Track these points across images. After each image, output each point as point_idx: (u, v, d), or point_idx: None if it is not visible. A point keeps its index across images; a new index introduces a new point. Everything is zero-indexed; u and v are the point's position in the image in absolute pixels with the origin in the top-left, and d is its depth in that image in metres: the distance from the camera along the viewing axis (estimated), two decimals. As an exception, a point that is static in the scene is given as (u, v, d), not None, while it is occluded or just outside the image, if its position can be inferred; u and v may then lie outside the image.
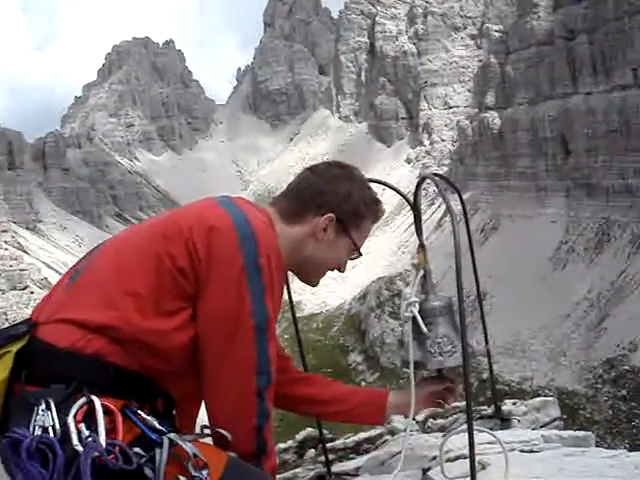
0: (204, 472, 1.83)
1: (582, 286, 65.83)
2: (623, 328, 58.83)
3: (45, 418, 1.77)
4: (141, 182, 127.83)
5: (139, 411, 1.90)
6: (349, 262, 2.40)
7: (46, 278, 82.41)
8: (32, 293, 75.00)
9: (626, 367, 56.44)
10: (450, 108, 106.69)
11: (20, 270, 75.35)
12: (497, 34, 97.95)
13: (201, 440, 1.99)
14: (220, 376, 2.02)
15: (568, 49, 79.32)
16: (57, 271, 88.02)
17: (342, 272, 2.41)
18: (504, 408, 4.67)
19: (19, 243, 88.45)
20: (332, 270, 2.38)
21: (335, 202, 2.26)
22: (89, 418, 1.79)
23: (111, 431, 1.79)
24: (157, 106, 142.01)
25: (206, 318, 2.00)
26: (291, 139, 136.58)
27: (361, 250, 2.37)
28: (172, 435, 1.86)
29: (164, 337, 1.98)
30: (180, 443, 1.84)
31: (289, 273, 2.63)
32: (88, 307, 1.98)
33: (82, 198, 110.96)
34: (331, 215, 2.25)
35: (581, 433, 3.68)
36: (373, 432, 4.73)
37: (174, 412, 2.13)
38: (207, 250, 1.98)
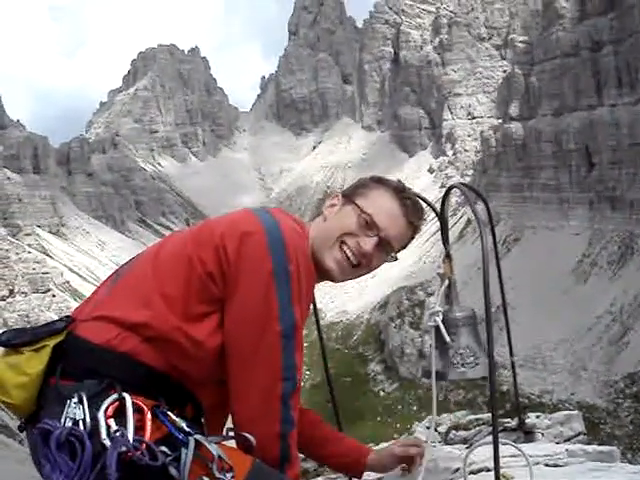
0: (228, 475, 1.85)
1: (604, 300, 65.30)
2: (645, 343, 58.32)
3: (76, 411, 1.81)
4: (164, 188, 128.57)
5: (169, 412, 1.93)
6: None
7: (68, 282, 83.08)
8: (54, 296, 75.61)
9: (648, 382, 55.92)
10: (474, 118, 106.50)
11: (43, 273, 75.98)
12: (522, 45, 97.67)
13: (228, 444, 2.00)
14: (245, 380, 2.02)
15: (593, 61, 78.96)
16: (79, 275, 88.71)
17: (365, 251, 2.20)
18: (528, 421, 4.62)
19: (42, 246, 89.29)
20: (348, 247, 2.19)
21: (348, 188, 2.32)
22: (119, 414, 1.83)
23: (140, 428, 1.82)
24: (181, 113, 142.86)
25: (233, 321, 2.01)
26: (314, 147, 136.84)
27: (379, 228, 2.21)
28: (198, 436, 1.88)
29: (193, 341, 2.00)
30: (206, 444, 1.87)
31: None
32: (124, 306, 2.03)
33: (105, 203, 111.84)
34: (337, 193, 2.31)
35: (606, 448, 3.63)
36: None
37: (202, 420, 2.15)
38: (237, 255, 1.99)
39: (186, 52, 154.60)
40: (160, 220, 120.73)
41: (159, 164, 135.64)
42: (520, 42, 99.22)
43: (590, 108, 77.49)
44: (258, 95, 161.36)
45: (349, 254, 2.21)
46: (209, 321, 2.02)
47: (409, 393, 62.46)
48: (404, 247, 2.37)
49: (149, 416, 1.86)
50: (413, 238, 2.38)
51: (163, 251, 2.14)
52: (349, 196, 2.27)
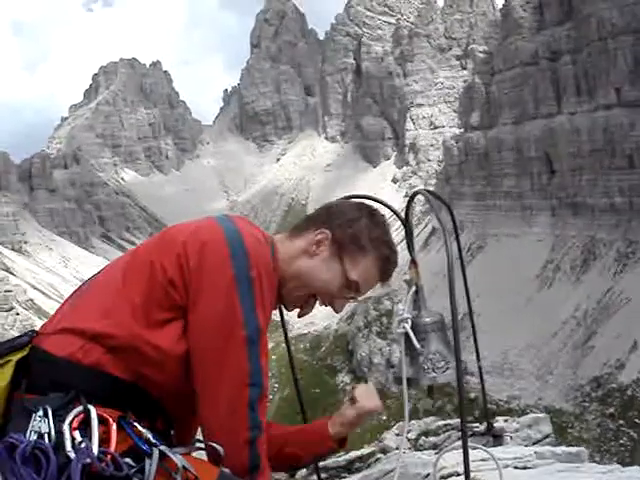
0: None
1: (568, 305, 66.07)
2: (610, 346, 59.04)
3: (41, 424, 1.79)
4: (128, 203, 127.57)
5: (135, 423, 1.90)
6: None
7: (32, 299, 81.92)
8: (18, 314, 74.49)
9: (613, 385, 56.57)
10: (436, 128, 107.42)
11: (5, 291, 74.84)
12: (482, 55, 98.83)
13: (195, 455, 1.98)
14: (211, 387, 2.00)
15: (552, 69, 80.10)
16: (43, 292, 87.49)
17: (336, 310, 2.31)
18: (496, 425, 4.65)
19: (4, 264, 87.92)
20: (322, 301, 2.27)
21: (338, 222, 2.24)
22: (85, 426, 1.81)
23: (105, 440, 1.81)
24: (144, 127, 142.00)
25: (197, 328, 2.00)
26: (278, 159, 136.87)
27: (359, 292, 2.26)
28: (163, 447, 1.86)
29: (157, 349, 1.99)
30: (170, 455, 1.85)
31: None
32: (87, 317, 2.02)
33: (68, 219, 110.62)
34: (327, 232, 2.22)
35: (574, 449, 3.66)
36: (365, 450, 4.69)
37: (172, 432, 2.13)
38: (198, 262, 1.99)
39: (148, 66, 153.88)
40: (124, 235, 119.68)
41: (122, 179, 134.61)
42: (480, 52, 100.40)
43: (550, 116, 78.54)
44: (221, 108, 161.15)
45: (320, 303, 2.27)
46: (171, 328, 2.01)
47: (378, 403, 62.58)
48: None
49: (114, 427, 1.84)
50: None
51: (126, 259, 2.15)
52: (339, 247, 2.22)
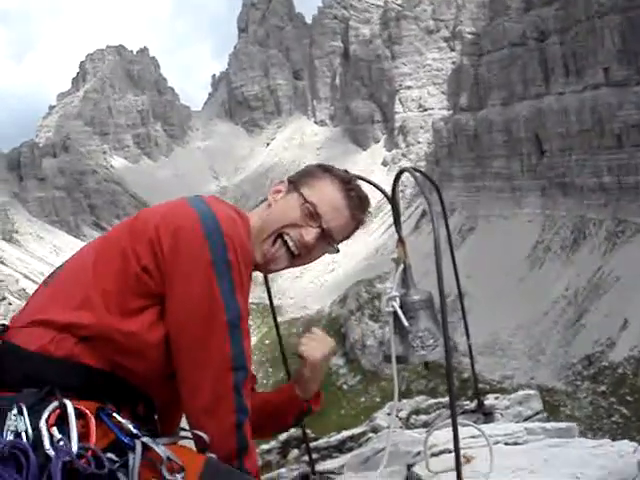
0: (178, 476, 1.80)
1: (559, 284, 66.36)
2: (600, 325, 59.39)
3: (17, 423, 1.74)
4: (118, 190, 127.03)
5: (115, 414, 1.87)
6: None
7: (24, 289, 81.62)
8: (10, 304, 74.25)
9: (604, 363, 56.95)
10: (425, 110, 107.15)
11: (-3, 281, 74.64)
12: (470, 36, 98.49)
13: (180, 443, 1.96)
14: (195, 374, 1.98)
15: (540, 50, 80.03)
16: (35, 282, 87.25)
17: (308, 242, 2.21)
18: (487, 402, 4.68)
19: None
20: (291, 239, 2.19)
21: (297, 173, 2.32)
22: (62, 422, 1.76)
23: (84, 435, 1.77)
24: (132, 114, 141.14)
25: (176, 315, 1.97)
26: (267, 144, 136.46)
27: (321, 217, 2.21)
28: (145, 439, 1.82)
29: (131, 337, 1.95)
30: (153, 446, 1.81)
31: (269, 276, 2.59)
32: (57, 307, 1.97)
33: (59, 208, 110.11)
34: (284, 180, 2.29)
35: (564, 424, 3.69)
36: (357, 430, 4.72)
37: (156, 417, 2.10)
38: (173, 247, 1.95)
39: (135, 52, 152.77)
40: (115, 222, 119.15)
41: (112, 166, 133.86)
42: (468, 33, 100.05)
43: (538, 97, 78.54)
44: (209, 94, 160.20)
45: (290, 244, 2.21)
46: (147, 314, 1.97)
47: (371, 385, 62.77)
48: (346, 238, 2.36)
49: (93, 421, 1.80)
50: (356, 230, 2.37)
51: (94, 246, 2.11)
52: (295, 183, 2.26)
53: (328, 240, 2.26)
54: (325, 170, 2.30)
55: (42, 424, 1.73)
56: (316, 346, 2.40)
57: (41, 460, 1.66)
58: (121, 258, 1.98)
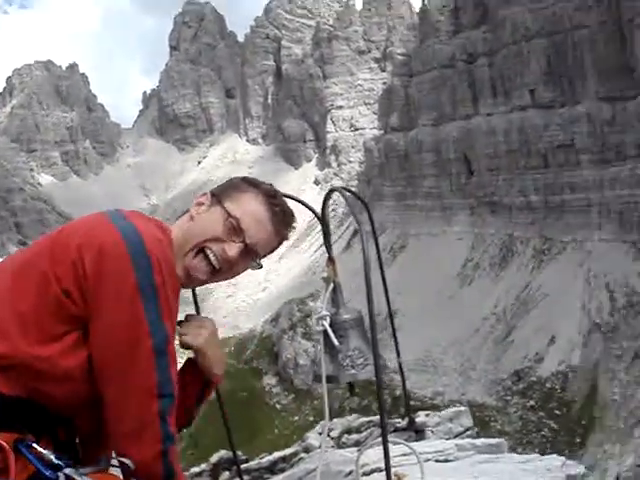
0: None
1: (489, 301, 67.52)
2: (529, 340, 60.62)
3: None
4: (45, 208, 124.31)
5: (34, 444, 1.79)
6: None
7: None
8: None
9: (533, 378, 58.06)
10: (357, 130, 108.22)
11: None
12: (400, 57, 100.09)
13: (110, 469, 1.91)
14: (120, 401, 1.90)
15: (469, 72, 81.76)
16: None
17: (230, 257, 2.15)
18: (418, 420, 4.70)
19: None
20: (213, 253, 2.13)
21: (221, 185, 2.28)
22: None
23: (3, 470, 1.69)
24: (60, 130, 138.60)
25: (101, 342, 1.89)
26: (199, 162, 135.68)
27: (243, 232, 2.16)
28: (68, 470, 1.76)
29: (50, 363, 1.86)
30: (76, 478, 1.76)
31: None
32: None
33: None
34: (206, 193, 2.25)
35: (494, 440, 3.73)
36: (288, 450, 4.68)
37: (77, 441, 2.03)
38: (96, 270, 1.86)
39: (64, 68, 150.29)
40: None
41: (39, 184, 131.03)
42: (398, 54, 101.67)
43: (467, 117, 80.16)
44: (140, 111, 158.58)
45: (212, 259, 2.15)
46: (67, 340, 1.88)
47: (305, 404, 62.61)
48: (269, 253, 2.31)
49: (12, 455, 1.71)
50: (280, 245, 2.32)
51: (9, 268, 1.99)
52: (218, 196, 2.21)
53: (251, 255, 2.20)
54: (249, 184, 2.25)
55: None
56: (196, 332, 2.25)
57: None
58: (41, 281, 1.88)
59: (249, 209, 2.17)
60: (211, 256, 2.14)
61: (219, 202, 2.17)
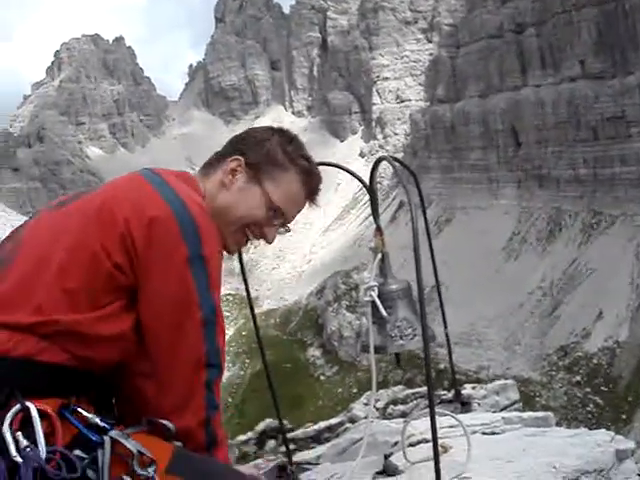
0: (150, 469, 1.76)
1: (535, 275, 66.85)
2: (575, 316, 59.96)
3: None
4: (93, 181, 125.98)
5: (79, 409, 1.81)
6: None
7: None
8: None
9: (579, 354, 57.51)
10: (402, 102, 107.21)
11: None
12: (447, 28, 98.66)
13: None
14: (168, 369, 1.92)
15: (517, 42, 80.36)
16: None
17: (268, 241, 2.21)
18: (464, 392, 4.68)
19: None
20: (252, 233, 2.18)
21: (249, 146, 2.19)
22: (27, 425, 1.70)
23: (50, 435, 1.71)
24: (108, 103, 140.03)
25: (151, 312, 1.91)
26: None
27: (285, 216, 2.18)
28: (113, 433, 1.78)
29: (97, 330, 1.87)
30: (123, 441, 1.76)
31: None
32: (17, 307, 1.86)
33: (34, 198, 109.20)
34: (239, 157, 2.16)
35: (541, 414, 3.70)
36: (334, 421, 4.70)
37: (113, 401, 2.04)
38: (146, 243, 1.87)
39: (110, 42, 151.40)
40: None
41: (87, 157, 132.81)
42: (445, 25, 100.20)
43: (515, 89, 78.92)
44: (186, 84, 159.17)
45: (251, 237, 2.20)
46: (114, 307, 1.89)
47: (349, 376, 62.94)
48: None
49: (58, 421, 1.73)
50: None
51: (53, 236, 1.96)
52: (256, 171, 2.15)
53: (283, 227, 2.24)
54: (288, 158, 2.19)
55: (5, 430, 1.67)
56: None
57: (9, 467, 1.61)
58: (90, 258, 1.87)
59: (290, 193, 2.17)
60: (250, 236, 2.19)
61: (258, 180, 2.14)
